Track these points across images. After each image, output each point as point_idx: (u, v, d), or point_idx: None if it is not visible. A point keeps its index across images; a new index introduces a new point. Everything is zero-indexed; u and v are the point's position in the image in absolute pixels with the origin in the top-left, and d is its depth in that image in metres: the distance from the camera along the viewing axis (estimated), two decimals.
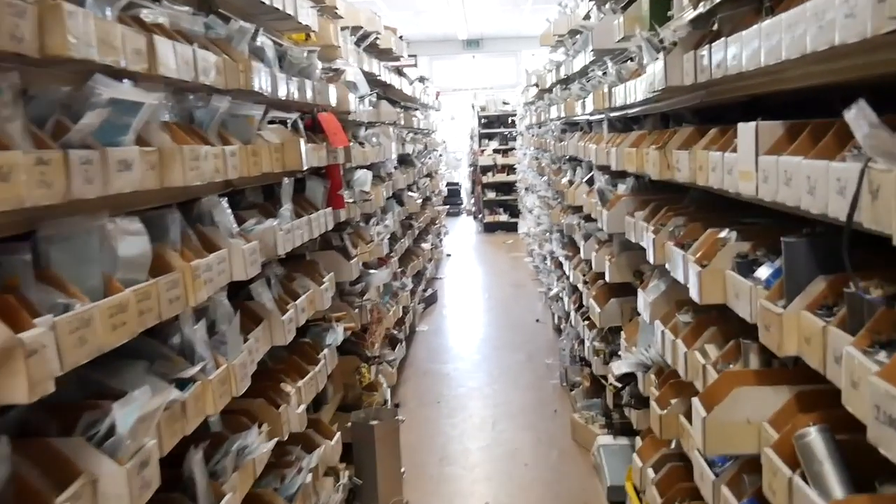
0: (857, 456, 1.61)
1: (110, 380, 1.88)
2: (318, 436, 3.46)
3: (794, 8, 1.63)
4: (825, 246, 1.86)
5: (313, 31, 3.85)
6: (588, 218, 5.06)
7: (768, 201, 1.88)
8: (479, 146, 16.96)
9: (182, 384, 2.06)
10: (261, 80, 2.80)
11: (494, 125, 16.99)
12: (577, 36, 5.56)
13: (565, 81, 6.76)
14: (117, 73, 1.89)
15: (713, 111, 3.26)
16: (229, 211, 2.55)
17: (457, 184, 19.12)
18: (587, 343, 4.98)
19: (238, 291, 2.90)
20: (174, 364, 2.12)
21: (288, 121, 3.15)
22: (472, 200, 18.13)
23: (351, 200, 4.38)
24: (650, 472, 3.25)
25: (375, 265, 5.35)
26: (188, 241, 2.26)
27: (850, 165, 1.40)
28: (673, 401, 2.92)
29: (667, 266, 2.83)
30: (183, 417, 1.98)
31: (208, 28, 2.62)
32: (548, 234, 8.02)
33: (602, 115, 4.64)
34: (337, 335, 3.81)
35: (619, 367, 3.49)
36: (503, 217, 16.09)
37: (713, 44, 2.26)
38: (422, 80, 10.47)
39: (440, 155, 13.98)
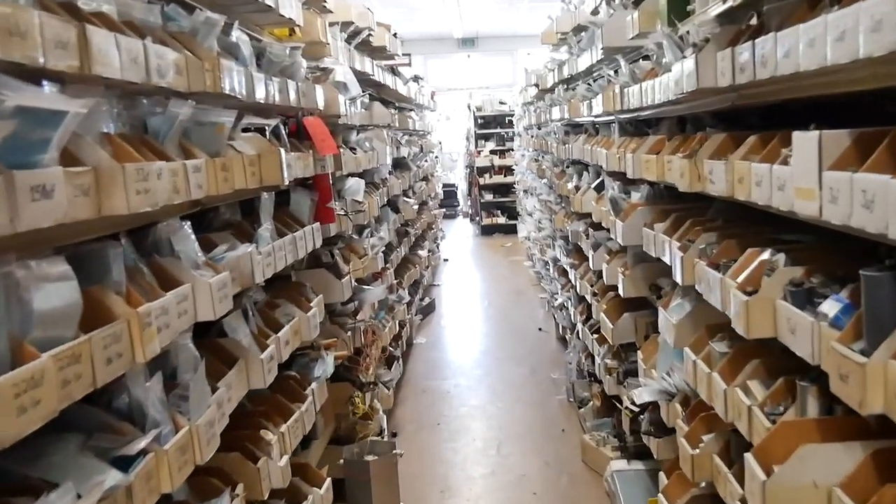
0: None
1: (29, 466, 1.47)
2: (304, 484, 3.06)
3: None
4: None
5: (298, 26, 3.43)
6: (597, 226, 4.69)
7: (838, 224, 1.57)
8: (476, 147, 16.57)
9: (128, 461, 1.65)
10: (233, 81, 2.39)
11: (491, 125, 16.60)
12: (583, 33, 5.17)
13: (568, 81, 6.37)
14: (39, 74, 1.49)
15: (734, 116, 2.92)
16: (193, 237, 2.14)
17: (453, 185, 18.73)
18: (598, 360, 4.60)
19: (209, 327, 2.49)
20: (119, 434, 1.71)
21: (266, 128, 2.73)
22: (469, 202, 17.74)
23: (342, 212, 3.97)
24: None
25: (370, 280, 4.94)
26: (138, 279, 1.85)
27: None
28: (705, 437, 2.55)
29: (698, 288, 2.46)
30: None
31: (169, 19, 2.21)
32: (550, 239, 7.62)
33: (612, 118, 4.25)
34: (327, 366, 3.40)
35: (640, 396, 3.11)
36: (501, 219, 15.71)
37: (756, 40, 1.93)
38: (416, 79, 10.05)
39: (436, 157, 13.58)
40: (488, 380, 6.72)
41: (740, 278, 2.15)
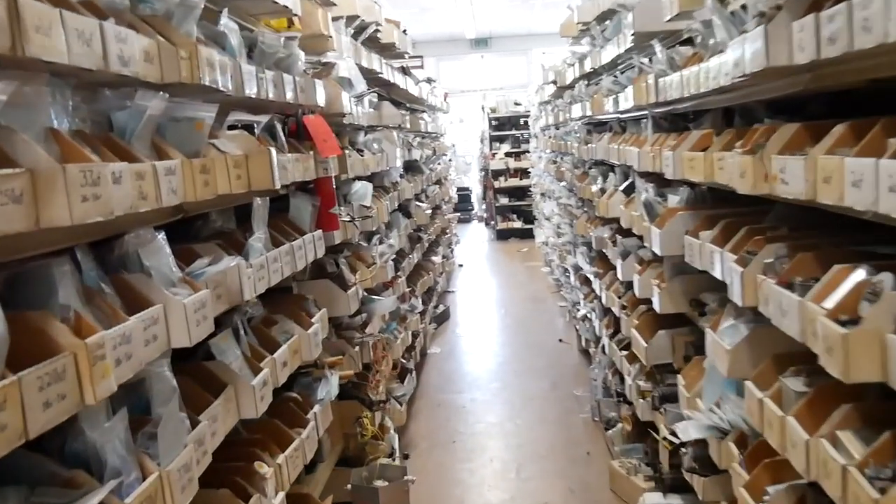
0: None
1: None
2: None
3: None
4: None
5: (296, 16, 3.16)
6: (625, 232, 4.36)
7: None
8: (490, 149, 16.26)
9: None
10: (217, 73, 2.11)
11: (505, 127, 16.28)
12: (608, 21, 4.84)
13: (590, 76, 6.04)
14: None
15: (792, 106, 2.59)
16: (168, 250, 1.86)
17: (467, 189, 18.41)
18: (628, 380, 4.25)
19: (195, 349, 2.21)
20: (71, 486, 1.43)
21: (256, 125, 2.45)
22: (484, 206, 17.42)
23: (347, 219, 3.69)
24: None
25: (379, 290, 4.66)
26: (98, 301, 1.57)
27: None
28: (771, 489, 2.19)
29: (762, 310, 2.11)
30: None
31: (140, 1, 1.94)
32: (571, 245, 7.29)
33: (643, 112, 3.93)
34: (331, 387, 3.12)
35: (685, 432, 2.77)
36: (517, 224, 15.36)
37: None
38: (429, 80, 9.78)
39: (449, 160, 13.29)
40: (506, 394, 6.40)
41: (828, 302, 1.76)
